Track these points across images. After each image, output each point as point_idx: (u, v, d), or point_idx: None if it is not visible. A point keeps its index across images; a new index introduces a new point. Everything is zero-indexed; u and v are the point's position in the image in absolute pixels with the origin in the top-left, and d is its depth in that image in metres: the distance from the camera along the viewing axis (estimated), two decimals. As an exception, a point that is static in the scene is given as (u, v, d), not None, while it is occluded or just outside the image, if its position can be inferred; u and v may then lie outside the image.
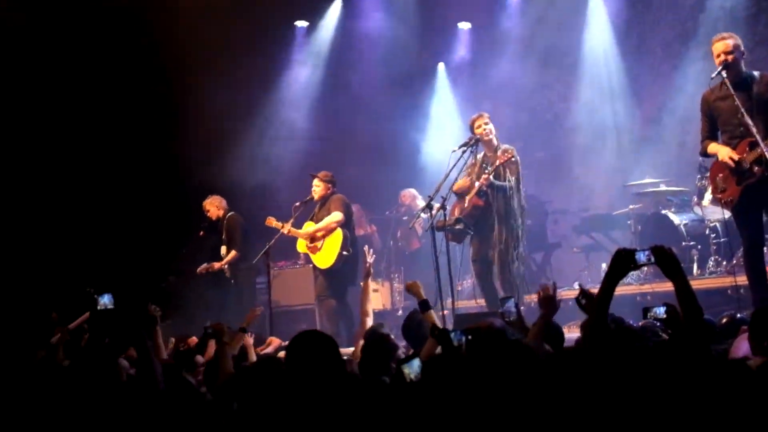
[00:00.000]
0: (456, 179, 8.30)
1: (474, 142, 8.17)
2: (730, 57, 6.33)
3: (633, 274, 8.72)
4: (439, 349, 4.02)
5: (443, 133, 11.94)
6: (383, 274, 11.28)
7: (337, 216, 9.04)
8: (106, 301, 4.17)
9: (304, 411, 3.15)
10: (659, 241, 3.63)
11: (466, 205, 8.29)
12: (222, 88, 11.00)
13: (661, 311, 3.94)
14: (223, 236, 10.20)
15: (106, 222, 11.24)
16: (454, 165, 8.12)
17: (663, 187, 9.97)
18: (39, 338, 6.48)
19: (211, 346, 5.81)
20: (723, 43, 6.39)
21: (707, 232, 9.01)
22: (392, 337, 4.89)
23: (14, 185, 10.79)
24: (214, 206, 10.32)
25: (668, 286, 3.56)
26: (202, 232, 10.39)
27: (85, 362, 3.95)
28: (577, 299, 3.86)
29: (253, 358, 5.79)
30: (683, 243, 9.04)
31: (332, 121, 12.57)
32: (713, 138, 6.57)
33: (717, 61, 6.40)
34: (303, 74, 12.67)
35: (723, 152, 6.37)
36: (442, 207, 7.86)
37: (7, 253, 10.48)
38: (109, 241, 11.13)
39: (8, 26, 10.27)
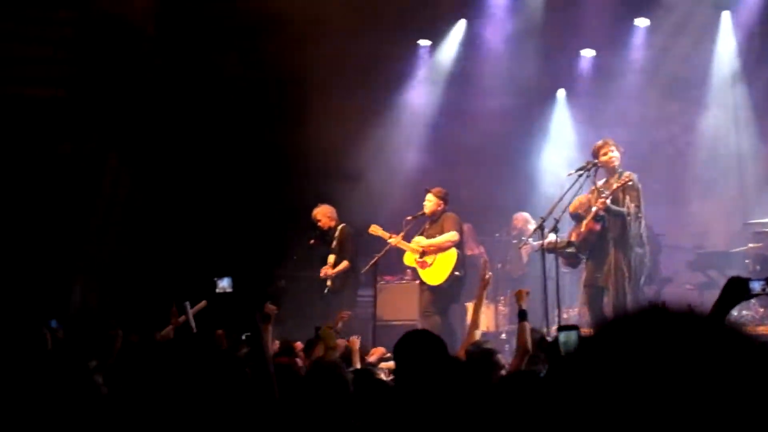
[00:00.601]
0: (570, 202, 8.24)
1: (591, 166, 8.09)
2: None
3: (747, 314, 8.46)
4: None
5: (560, 158, 11.83)
6: (489, 296, 11.15)
7: (453, 236, 9.10)
8: (225, 284, 4.10)
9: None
10: (778, 283, 3.55)
11: (582, 229, 8.21)
12: (346, 99, 11.15)
13: None
14: (333, 245, 10.20)
15: (228, 227, 11.60)
16: (569, 188, 8.06)
17: (786, 228, 9.63)
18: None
19: (319, 348, 5.93)
20: None
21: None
22: (498, 355, 4.88)
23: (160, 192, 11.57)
24: (326, 216, 10.29)
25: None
26: (312, 241, 10.44)
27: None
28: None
29: (358, 364, 5.89)
30: (803, 286, 8.68)
31: (447, 139, 12.60)
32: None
33: None
34: (423, 92, 12.76)
35: None
36: (554, 229, 7.81)
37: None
38: (229, 244, 11.48)
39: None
